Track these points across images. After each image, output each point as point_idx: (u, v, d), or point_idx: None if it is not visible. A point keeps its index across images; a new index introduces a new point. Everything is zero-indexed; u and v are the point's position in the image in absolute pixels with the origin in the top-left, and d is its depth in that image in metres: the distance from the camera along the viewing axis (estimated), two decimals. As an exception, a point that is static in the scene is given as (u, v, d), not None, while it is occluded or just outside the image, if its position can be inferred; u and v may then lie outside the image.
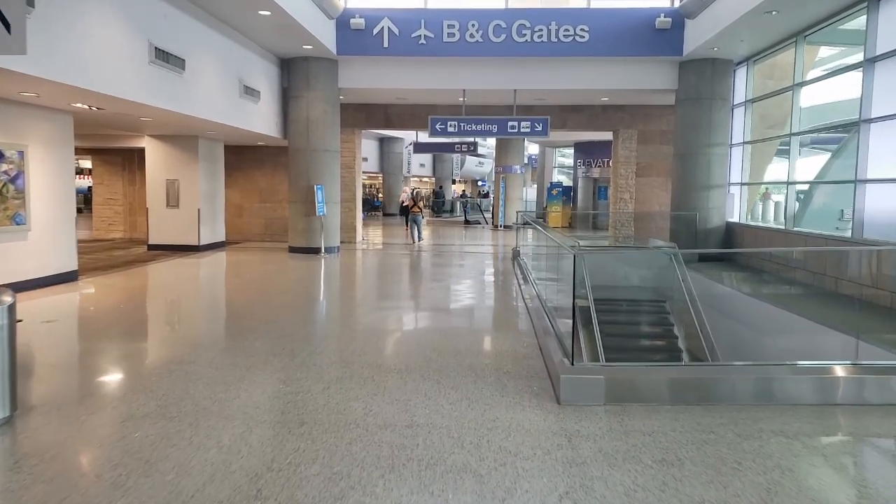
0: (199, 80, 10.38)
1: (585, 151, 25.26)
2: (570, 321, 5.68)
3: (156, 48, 8.95)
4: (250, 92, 12.43)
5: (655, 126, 16.66)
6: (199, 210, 14.19)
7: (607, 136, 22.18)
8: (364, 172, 36.67)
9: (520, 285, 9.73)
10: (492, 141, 34.82)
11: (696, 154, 13.70)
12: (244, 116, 12.36)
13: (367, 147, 33.10)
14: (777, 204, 14.84)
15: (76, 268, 9.79)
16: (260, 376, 5.11)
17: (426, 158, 40.78)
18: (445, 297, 9.09)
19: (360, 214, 17.54)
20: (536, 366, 5.54)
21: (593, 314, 6.19)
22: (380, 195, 35.85)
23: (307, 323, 7.60)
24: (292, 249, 14.40)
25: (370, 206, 35.15)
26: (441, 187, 36.82)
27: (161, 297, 9.36)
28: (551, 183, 26.83)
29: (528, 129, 14.34)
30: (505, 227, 23.63)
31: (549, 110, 16.31)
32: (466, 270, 12.22)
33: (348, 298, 9.44)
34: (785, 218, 11.98)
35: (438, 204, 31.70)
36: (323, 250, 13.97)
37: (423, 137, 33.52)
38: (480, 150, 46.79)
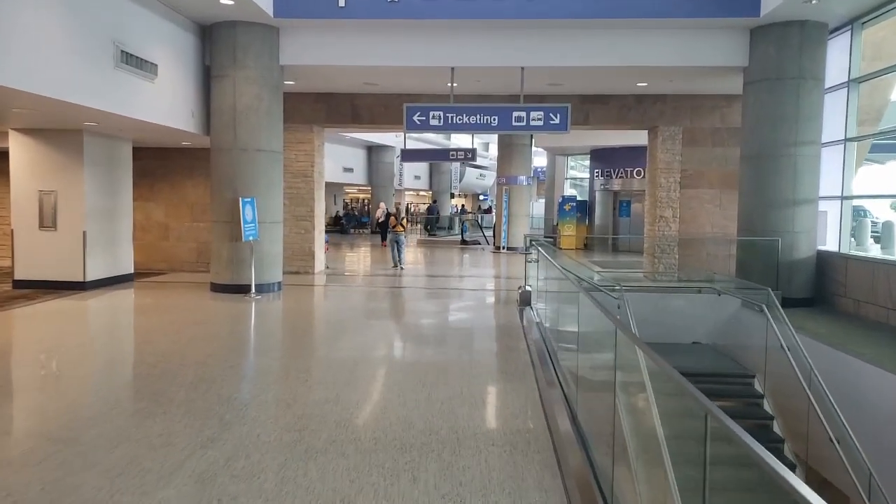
0: (11, 22, 6.48)
1: (604, 160, 21.32)
2: None
3: None
4: (137, 63, 8.53)
5: (706, 122, 12.71)
6: (84, 233, 10.24)
7: (632, 139, 18.28)
8: (351, 185, 32.83)
9: (537, 379, 5.66)
10: (494, 150, 30.88)
11: (776, 156, 9.74)
12: (124, 98, 8.45)
13: (354, 156, 29.32)
14: (887, 224, 10.84)
15: None
16: None
17: (421, 170, 36.91)
18: (404, 407, 5.11)
19: (320, 236, 13.59)
20: None
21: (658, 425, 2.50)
22: (380, 210, 31.78)
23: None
24: (215, 287, 10.44)
25: (356, 222, 31.28)
26: (435, 201, 32.90)
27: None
28: (563, 197, 22.88)
29: (541, 122, 10.38)
30: (508, 248, 19.65)
31: (566, 101, 12.35)
32: (447, 334, 8.23)
33: (227, 405, 5.45)
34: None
35: (432, 221, 27.70)
36: (253, 289, 10.00)
37: (413, 143, 29.74)
38: (481, 161, 43.03)
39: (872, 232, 11.65)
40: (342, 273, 13.88)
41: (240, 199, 9.84)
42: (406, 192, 41.48)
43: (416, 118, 10.49)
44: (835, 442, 5.89)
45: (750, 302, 8.56)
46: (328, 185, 31.78)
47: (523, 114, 10.37)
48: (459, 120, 10.46)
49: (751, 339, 8.30)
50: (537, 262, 8.54)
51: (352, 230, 30.26)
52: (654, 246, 12.94)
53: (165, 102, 9.46)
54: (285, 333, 8.03)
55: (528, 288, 9.79)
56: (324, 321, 8.85)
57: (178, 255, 13.39)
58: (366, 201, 35.86)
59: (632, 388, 3.38)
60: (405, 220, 15.92)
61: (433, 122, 10.47)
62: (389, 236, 15.06)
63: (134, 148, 12.44)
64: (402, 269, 14.61)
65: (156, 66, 9.02)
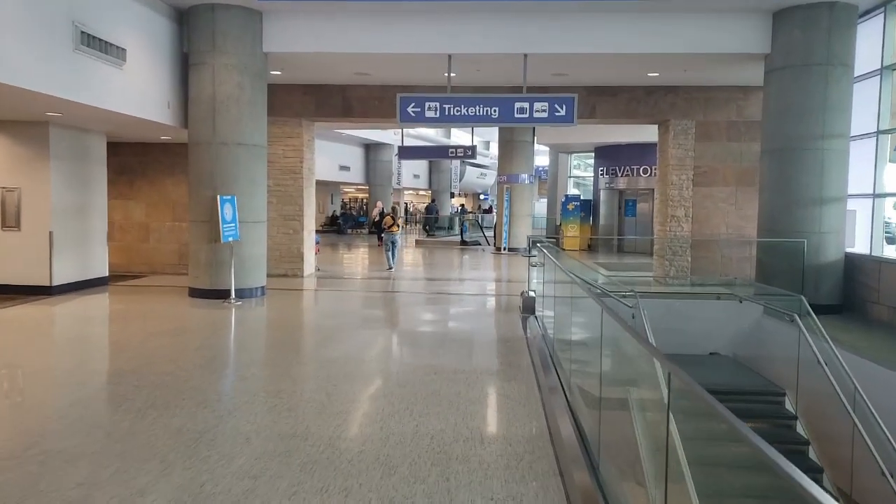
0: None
1: (609, 157, 20.51)
2: None
3: None
4: (101, 47, 7.74)
5: (720, 115, 11.91)
6: (50, 234, 9.46)
7: (638, 136, 17.50)
8: (348, 184, 32.03)
9: (544, 405, 4.86)
10: (495, 149, 30.06)
11: (801, 150, 8.94)
12: (87, 85, 7.66)
13: (351, 154, 28.56)
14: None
15: None
16: None
17: (420, 168, 36.13)
18: (398, 429, 4.33)
19: (310, 237, 12.81)
20: None
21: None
22: (376, 209, 30.94)
23: None
24: (193, 293, 9.66)
25: (353, 221, 30.53)
26: (434, 201, 32.13)
27: None
28: (566, 196, 22.08)
29: (546, 114, 9.58)
30: (509, 249, 18.86)
31: (572, 92, 11.55)
32: (441, 349, 7.44)
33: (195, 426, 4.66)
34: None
35: (431, 221, 26.91)
36: (233, 295, 9.22)
37: (411, 141, 28.95)
38: (482, 160, 42.21)
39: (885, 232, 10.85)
40: (333, 276, 13.10)
41: (218, 196, 9.06)
42: (405, 192, 40.71)
43: (410, 110, 9.69)
44: (888, 476, 5.10)
45: (777, 310, 7.77)
46: (324, 183, 31.08)
47: (526, 104, 9.58)
48: (457, 111, 9.67)
49: (779, 350, 7.50)
50: (542, 265, 7.74)
51: (349, 230, 29.48)
52: (666, 247, 12.13)
53: (137, 91, 8.68)
54: (261, 346, 7.24)
55: (531, 293, 9.00)
56: (305, 332, 8.06)
57: (159, 256, 12.60)
58: (363, 200, 35.11)
59: (652, 409, 2.63)
60: (400, 219, 15.19)
61: (429, 114, 9.67)
62: (384, 237, 14.29)
63: (111, 143, 11.68)
64: (392, 269, 13.95)
65: (124, 50, 8.23)
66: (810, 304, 7.52)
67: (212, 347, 6.81)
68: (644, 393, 3.02)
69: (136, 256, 12.62)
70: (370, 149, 29.64)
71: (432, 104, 9.65)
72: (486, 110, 9.64)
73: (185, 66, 9.66)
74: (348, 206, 35.43)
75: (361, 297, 10.31)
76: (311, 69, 10.95)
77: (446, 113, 9.65)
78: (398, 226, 14.48)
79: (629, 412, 3.11)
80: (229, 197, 9.25)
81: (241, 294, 9.46)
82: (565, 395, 4.73)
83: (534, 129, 18.93)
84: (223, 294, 9.31)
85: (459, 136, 35.17)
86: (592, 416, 3.78)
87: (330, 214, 31.26)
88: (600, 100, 12.03)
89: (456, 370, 5.75)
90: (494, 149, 31.05)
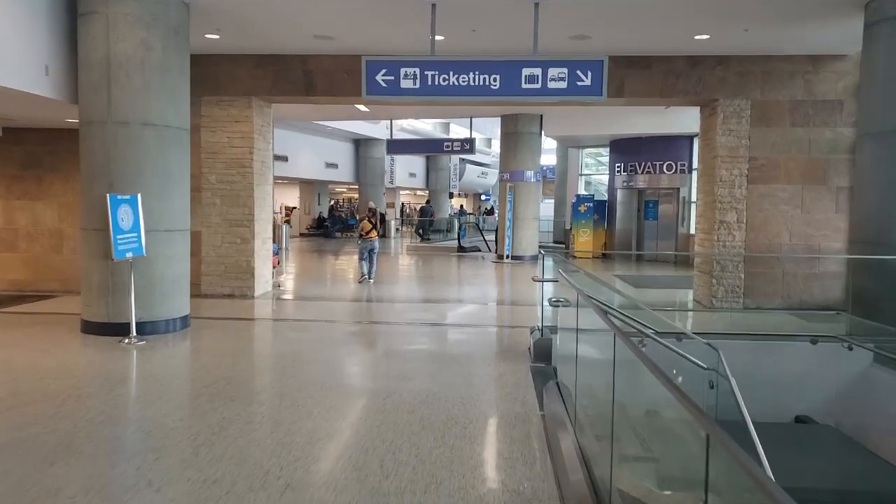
0: None
1: (628, 151, 17.94)
2: None
3: None
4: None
5: (783, 92, 9.34)
6: None
7: (661, 126, 14.97)
8: (335, 183, 29.44)
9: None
10: (497, 147, 27.49)
11: (920, 133, 6.38)
12: None
13: (338, 150, 26.04)
14: None
15: None
16: None
17: (417, 166, 33.58)
18: None
19: (265, 247, 10.27)
20: None
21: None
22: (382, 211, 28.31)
23: None
24: (87, 327, 7.11)
25: (341, 224, 28.03)
26: (429, 202, 29.56)
27: None
28: (577, 196, 19.49)
29: (564, 84, 7.03)
30: (513, 258, 16.32)
31: (595, 63, 8.96)
32: (395, 465, 4.86)
33: None
34: None
35: (425, 224, 24.33)
36: (133, 332, 6.69)
37: (400, 133, 26.38)
38: (483, 158, 39.68)
39: None
40: (295, 297, 10.54)
41: (108, 196, 6.52)
42: (401, 192, 38.17)
43: (380, 78, 7.17)
44: None
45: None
46: (309, 183, 28.52)
47: (538, 71, 7.03)
48: (444, 81, 7.13)
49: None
50: (566, 304, 5.13)
51: (338, 234, 26.98)
52: (713, 261, 9.56)
53: (-10, 48, 6.15)
54: (136, 429, 4.68)
55: (543, 329, 6.43)
56: (216, 398, 5.37)
57: (76, 270, 10.04)
58: (353, 201, 32.62)
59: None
60: (379, 223, 12.82)
61: (405, 85, 7.14)
62: (361, 244, 11.86)
63: (10, 129, 9.19)
64: (372, 279, 11.78)
65: (-42, -15, 5.70)
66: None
67: (48, 435, 4.23)
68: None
69: (46, 271, 10.10)
70: (360, 144, 27.11)
71: (410, 70, 7.12)
72: (483, 79, 7.10)
73: (72, 18, 7.10)
74: (337, 206, 32.88)
75: (316, 332, 7.75)
76: (258, 30, 8.41)
77: (429, 83, 7.12)
78: (377, 231, 12.08)
79: None
80: (128, 197, 6.71)
81: (150, 329, 6.94)
82: None
83: (541, 117, 16.36)
84: (124, 329, 6.77)
85: (459, 133, 32.63)
86: None
87: (316, 216, 28.75)
88: (630, 74, 9.47)
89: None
90: (496, 147, 28.50)
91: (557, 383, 4.47)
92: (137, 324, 6.84)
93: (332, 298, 10.52)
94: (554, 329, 6.28)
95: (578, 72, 7.01)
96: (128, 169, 6.86)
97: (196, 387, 5.32)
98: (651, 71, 9.45)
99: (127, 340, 6.62)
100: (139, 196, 6.80)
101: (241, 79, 9.67)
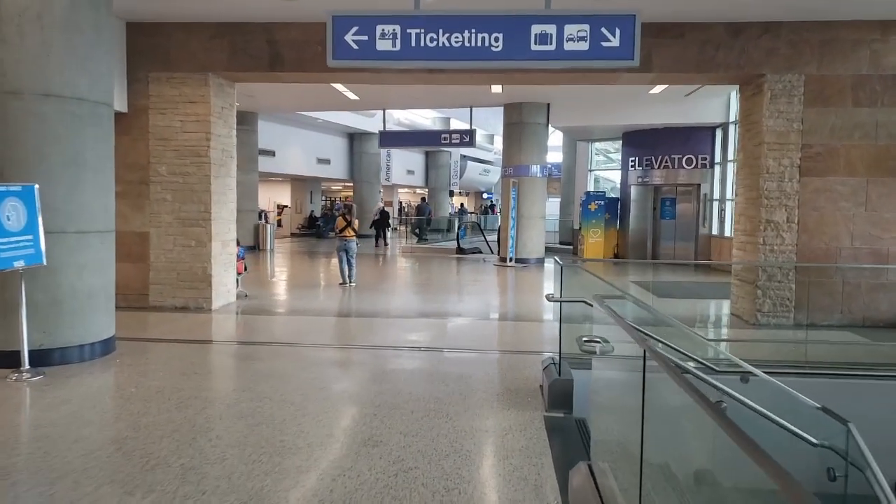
0: None
1: (642, 144, 16.36)
2: None
3: None
4: None
5: (844, 66, 7.75)
6: None
7: (680, 116, 13.43)
8: (328, 180, 27.84)
9: None
10: (499, 143, 25.87)
11: None
12: None
13: (331, 145, 24.52)
14: None
15: None
16: None
17: (415, 163, 32.02)
18: None
19: (226, 250, 8.73)
20: None
21: None
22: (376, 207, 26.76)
23: None
24: (-25, 353, 5.58)
25: (335, 223, 26.43)
26: (425, 199, 27.96)
27: None
28: (587, 193, 17.91)
29: (585, 45, 5.46)
30: (517, 261, 14.76)
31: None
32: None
33: None
34: None
35: (422, 223, 22.76)
36: (25, 362, 5.15)
37: (396, 128, 24.85)
38: (485, 155, 38.09)
39: None
40: (260, 309, 9.00)
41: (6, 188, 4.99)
42: (398, 189, 36.66)
43: (350, 38, 5.63)
44: None
45: None
46: (301, 179, 26.94)
47: (551, 28, 5.47)
48: (431, 41, 5.56)
49: None
50: (608, 349, 3.52)
51: (331, 234, 25.46)
52: (757, 268, 7.98)
53: None
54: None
55: (561, 364, 4.88)
56: (86, 480, 3.70)
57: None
58: (344, 199, 31.10)
59: None
60: (356, 221, 11.44)
61: (382, 46, 5.58)
62: (337, 244, 10.57)
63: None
64: (352, 283, 10.74)
65: None
66: None
67: None
68: None
69: None
70: (354, 139, 25.61)
71: (388, 28, 5.56)
72: (482, 39, 5.53)
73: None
74: (331, 204, 31.35)
75: (270, 361, 6.19)
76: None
77: (412, 43, 5.55)
78: (354, 230, 10.72)
79: None
80: (19, 188, 5.16)
81: (59, 358, 5.42)
82: None
83: (548, 106, 14.80)
84: (15, 360, 5.23)
85: (459, 128, 31.06)
86: None
87: (308, 215, 27.24)
88: (659, 44, 7.90)
89: None
90: (499, 144, 26.95)
91: (590, 466, 2.92)
92: (37, 352, 5.32)
93: (305, 312, 8.97)
94: (577, 361, 4.73)
95: (604, 29, 5.45)
96: (22, 152, 5.32)
97: (68, 457, 3.71)
98: (684, 41, 7.88)
99: (15, 376, 5.08)
100: (36, 187, 5.25)
101: (194, 51, 8.13)
